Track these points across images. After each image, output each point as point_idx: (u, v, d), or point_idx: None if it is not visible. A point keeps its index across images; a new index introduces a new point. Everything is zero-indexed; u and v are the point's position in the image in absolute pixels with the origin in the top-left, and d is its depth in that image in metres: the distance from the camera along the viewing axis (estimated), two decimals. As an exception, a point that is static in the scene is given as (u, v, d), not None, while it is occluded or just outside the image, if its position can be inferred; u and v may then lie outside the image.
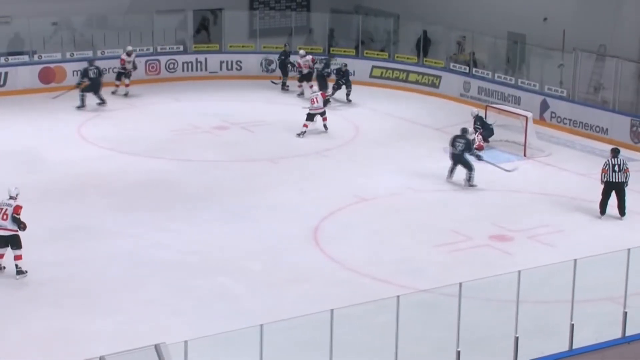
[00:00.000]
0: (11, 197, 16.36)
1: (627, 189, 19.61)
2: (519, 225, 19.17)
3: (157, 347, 10.95)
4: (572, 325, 13.28)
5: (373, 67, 31.10)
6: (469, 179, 21.31)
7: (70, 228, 17.93)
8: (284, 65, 30.02)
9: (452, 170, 21.60)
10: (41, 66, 29.27)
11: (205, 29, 33.14)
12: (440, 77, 30.05)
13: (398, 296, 12.20)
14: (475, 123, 24.17)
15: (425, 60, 30.69)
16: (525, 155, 23.64)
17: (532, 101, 27.07)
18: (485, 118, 24.70)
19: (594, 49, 26.93)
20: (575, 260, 13.14)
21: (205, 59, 31.52)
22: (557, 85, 27.25)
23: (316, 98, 25.25)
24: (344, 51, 31.69)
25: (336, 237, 18.58)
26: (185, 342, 10.91)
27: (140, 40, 31.16)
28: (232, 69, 31.72)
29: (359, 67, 30.86)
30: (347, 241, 18.41)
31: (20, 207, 16.21)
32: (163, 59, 31.02)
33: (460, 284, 12.43)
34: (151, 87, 29.81)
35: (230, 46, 32.07)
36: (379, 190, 21.14)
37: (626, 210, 19.59)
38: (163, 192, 20.87)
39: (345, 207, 20.16)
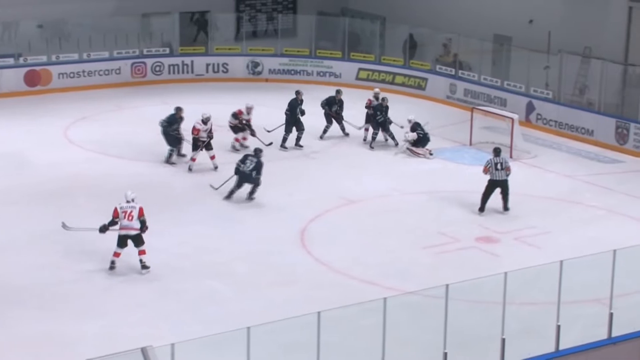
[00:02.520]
0: (128, 201, 16.82)
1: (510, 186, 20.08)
2: (505, 227, 19.23)
3: (143, 350, 10.95)
4: (559, 327, 13.31)
5: (359, 69, 31.12)
6: (252, 192, 20.27)
7: (58, 231, 17.87)
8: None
9: (232, 192, 20.16)
10: (27, 69, 29.19)
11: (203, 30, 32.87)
12: (426, 79, 30.07)
13: (385, 298, 12.22)
14: (416, 129, 23.91)
15: (412, 63, 30.72)
16: (511, 157, 23.62)
17: (518, 103, 27.13)
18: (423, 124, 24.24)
19: (579, 51, 27.00)
20: (561, 261, 13.18)
21: (192, 62, 31.48)
22: (543, 87, 27.31)
23: None
24: (331, 53, 31.71)
25: (323, 239, 18.60)
26: (172, 345, 10.90)
27: (126, 42, 31.14)
28: (218, 71, 31.69)
29: (345, 69, 30.89)
30: (334, 243, 18.43)
31: (143, 209, 16.73)
32: (149, 62, 30.97)
33: (447, 285, 12.45)
34: (137, 90, 29.77)
35: (217, 49, 32.04)
36: (366, 192, 21.16)
37: (509, 206, 20.02)
38: (150, 194, 20.75)
39: (332, 209, 20.18)
